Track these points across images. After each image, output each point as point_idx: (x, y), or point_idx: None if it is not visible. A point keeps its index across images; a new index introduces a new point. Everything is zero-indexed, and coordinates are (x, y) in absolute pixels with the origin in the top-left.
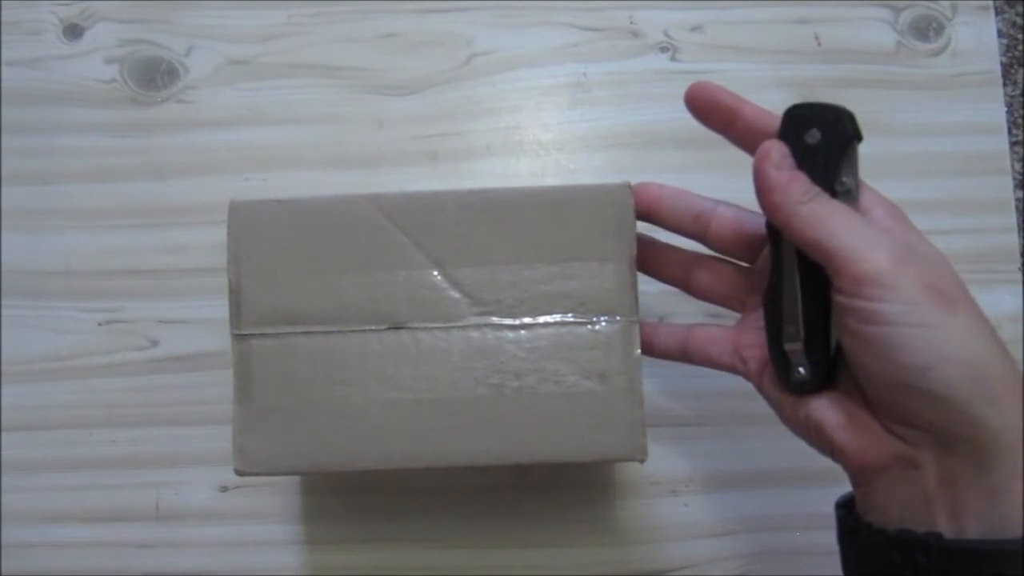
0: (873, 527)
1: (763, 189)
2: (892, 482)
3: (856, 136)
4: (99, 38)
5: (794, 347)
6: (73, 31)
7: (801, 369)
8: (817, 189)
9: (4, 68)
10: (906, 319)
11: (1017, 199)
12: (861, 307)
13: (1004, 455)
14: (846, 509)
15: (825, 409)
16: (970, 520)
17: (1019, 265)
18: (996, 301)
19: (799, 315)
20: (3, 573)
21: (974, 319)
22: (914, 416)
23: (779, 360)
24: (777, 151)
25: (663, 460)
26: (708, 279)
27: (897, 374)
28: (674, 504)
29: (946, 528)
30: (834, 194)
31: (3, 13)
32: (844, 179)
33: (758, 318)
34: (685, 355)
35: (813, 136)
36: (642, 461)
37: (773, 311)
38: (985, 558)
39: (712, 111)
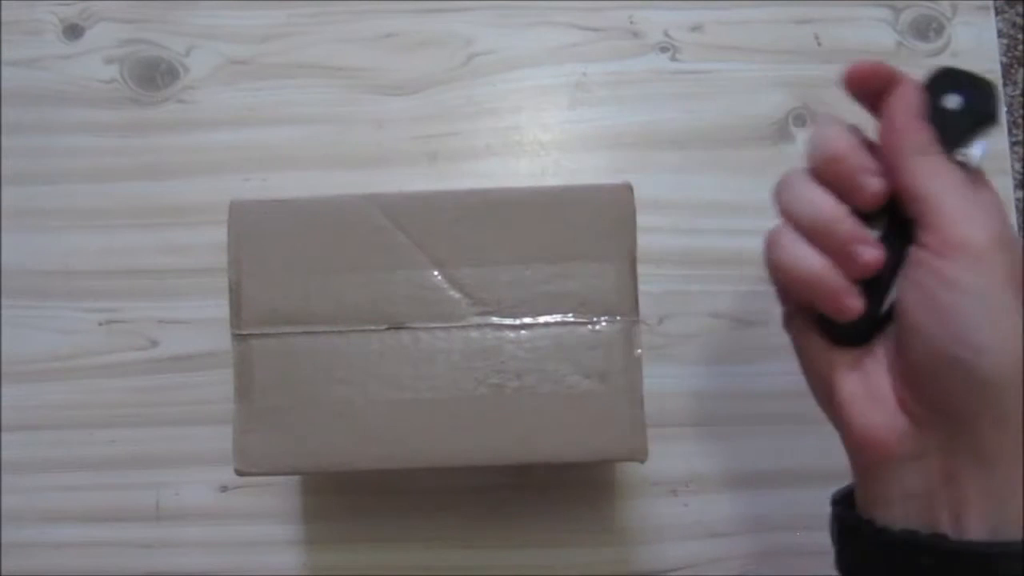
0: (875, 525)
1: (887, 128)
2: (894, 471)
3: (995, 116)
4: (99, 38)
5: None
6: (73, 31)
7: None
8: (938, 147)
9: (4, 68)
10: (984, 294)
11: (1017, 199)
12: (944, 268)
13: (1010, 457)
14: (844, 505)
15: (845, 371)
16: (973, 520)
17: None
18: None
19: None
20: (3, 573)
21: None
22: (942, 393)
23: None
24: (915, 96)
25: (663, 460)
26: None
27: (949, 345)
28: (674, 504)
29: (949, 527)
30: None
31: (3, 13)
32: (969, 152)
33: None
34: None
35: (953, 101)
36: (642, 461)
37: None
38: (989, 560)
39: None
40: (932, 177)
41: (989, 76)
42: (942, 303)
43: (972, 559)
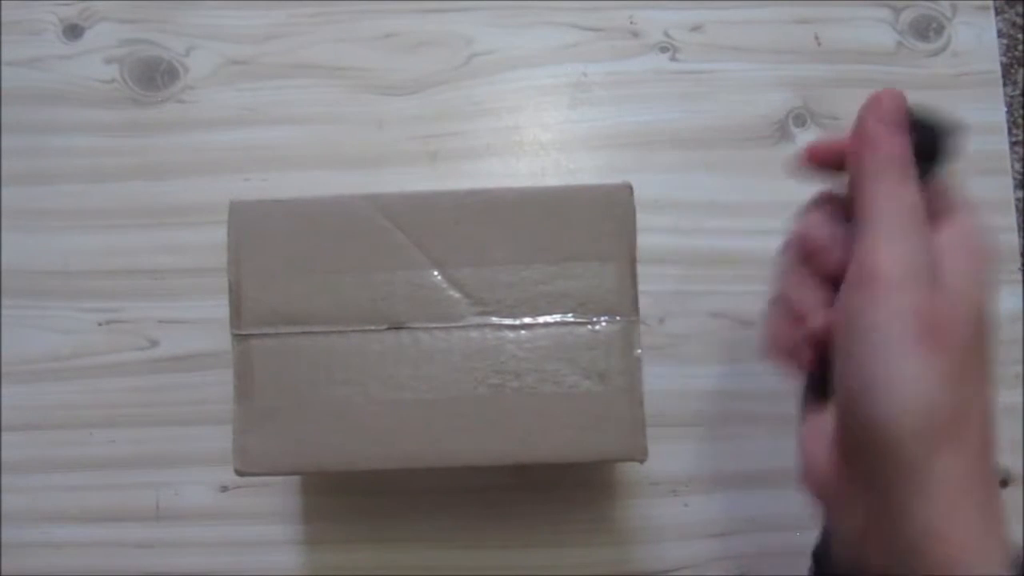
0: (830, 559)
1: (855, 135)
2: (837, 508)
3: (940, 157)
4: (99, 38)
5: None
6: (73, 31)
7: None
8: (906, 165)
9: (4, 68)
10: (878, 329)
11: (1017, 199)
12: (851, 297)
13: (920, 509)
14: (823, 536)
15: (810, 412)
16: (895, 565)
17: (1019, 265)
18: (996, 301)
19: None
20: (3, 573)
21: (954, 367)
22: (851, 432)
23: None
24: (890, 101)
25: (663, 460)
26: None
27: (844, 377)
28: (674, 504)
29: (879, 568)
30: None
31: (3, 13)
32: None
33: None
34: None
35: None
36: (642, 461)
37: None
38: None
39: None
40: (876, 199)
41: (988, 76)
42: (842, 331)
43: None
